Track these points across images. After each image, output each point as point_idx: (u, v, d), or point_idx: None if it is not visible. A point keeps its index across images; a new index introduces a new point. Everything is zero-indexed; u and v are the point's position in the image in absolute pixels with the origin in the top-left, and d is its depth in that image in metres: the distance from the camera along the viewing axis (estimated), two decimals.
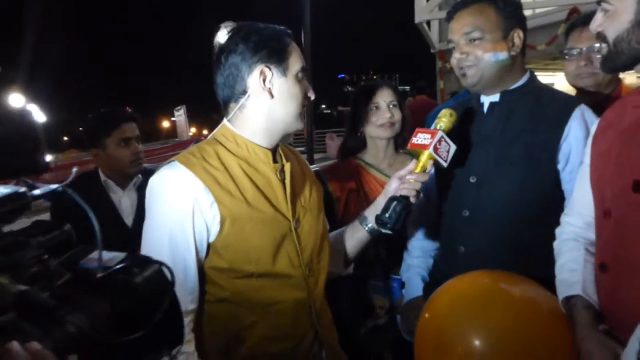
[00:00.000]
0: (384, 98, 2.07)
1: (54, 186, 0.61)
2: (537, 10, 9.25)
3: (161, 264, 0.64)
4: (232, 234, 1.29)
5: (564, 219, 1.43)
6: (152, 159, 9.19)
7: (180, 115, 15.23)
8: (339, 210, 2.03)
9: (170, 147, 12.47)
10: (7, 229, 0.58)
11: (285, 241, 1.35)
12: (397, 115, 2.06)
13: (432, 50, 12.81)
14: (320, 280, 1.44)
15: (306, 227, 1.41)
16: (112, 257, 0.64)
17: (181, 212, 1.27)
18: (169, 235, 1.27)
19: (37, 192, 0.60)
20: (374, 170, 2.10)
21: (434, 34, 12.75)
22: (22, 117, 0.61)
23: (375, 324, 1.98)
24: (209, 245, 1.31)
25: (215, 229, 1.29)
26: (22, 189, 0.59)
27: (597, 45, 1.82)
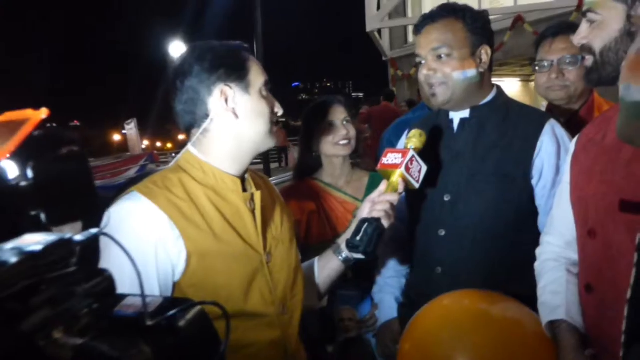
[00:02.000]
0: (338, 115, 2.02)
1: (94, 231, 0.59)
2: None
3: (202, 303, 0.63)
4: (199, 271, 1.19)
5: (544, 238, 1.42)
6: (103, 175, 8.89)
7: (131, 128, 14.80)
8: (301, 233, 1.98)
9: (122, 162, 12.11)
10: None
11: (257, 277, 1.26)
12: (352, 131, 2.03)
13: (384, 58, 13.04)
14: (295, 317, 1.35)
15: (278, 260, 1.33)
16: (150, 301, 0.62)
17: (143, 252, 1.15)
18: (129, 277, 1.19)
19: (79, 237, 0.57)
20: (333, 189, 2.06)
21: (385, 42, 12.99)
22: (75, 160, 0.60)
23: (346, 338, 1.93)
24: (174, 285, 1.21)
25: (181, 266, 1.19)
26: (67, 236, 0.56)
27: (569, 56, 1.83)
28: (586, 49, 1.20)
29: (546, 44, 1.93)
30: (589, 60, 1.19)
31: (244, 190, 1.31)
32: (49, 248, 0.53)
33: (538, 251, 1.42)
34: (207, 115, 1.25)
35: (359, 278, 1.93)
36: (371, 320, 1.91)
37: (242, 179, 1.32)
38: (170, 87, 1.28)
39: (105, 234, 0.60)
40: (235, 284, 1.23)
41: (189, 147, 1.31)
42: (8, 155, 0.54)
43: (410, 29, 13.49)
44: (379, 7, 11.88)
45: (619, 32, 1.13)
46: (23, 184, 0.55)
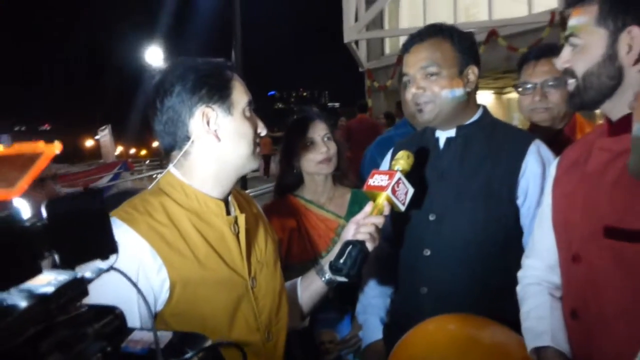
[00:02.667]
0: (318, 132, 1.99)
1: (104, 267, 0.60)
2: None
3: (219, 344, 0.63)
4: (183, 300, 1.15)
5: (525, 261, 1.42)
6: (75, 184, 8.69)
7: (105, 135, 14.52)
8: (282, 252, 1.96)
9: (95, 169, 11.88)
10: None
11: (242, 303, 1.23)
12: (333, 148, 1.99)
13: (360, 69, 13.14)
14: (280, 344, 1.32)
15: (263, 285, 1.29)
16: (160, 336, 0.60)
17: (124, 283, 1.14)
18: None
19: (90, 275, 0.57)
20: (314, 206, 2.02)
21: (362, 53, 13.10)
22: (89, 199, 0.58)
23: None
24: (155, 315, 1.16)
25: (163, 296, 1.14)
26: (79, 275, 0.55)
27: (551, 79, 1.84)
28: (569, 72, 1.21)
29: (529, 67, 1.96)
30: (572, 84, 1.21)
31: (228, 213, 1.27)
32: (61, 289, 0.52)
33: (520, 274, 1.42)
34: (188, 137, 1.21)
35: (339, 299, 1.90)
36: (352, 340, 1.89)
37: (226, 201, 1.28)
38: (149, 106, 1.24)
39: (116, 269, 0.59)
40: (220, 312, 1.19)
41: (170, 168, 1.26)
42: (21, 194, 0.53)
43: (387, 40, 13.70)
44: (356, 19, 11.99)
45: (601, 57, 1.14)
46: (37, 224, 0.53)
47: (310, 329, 1.89)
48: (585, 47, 1.16)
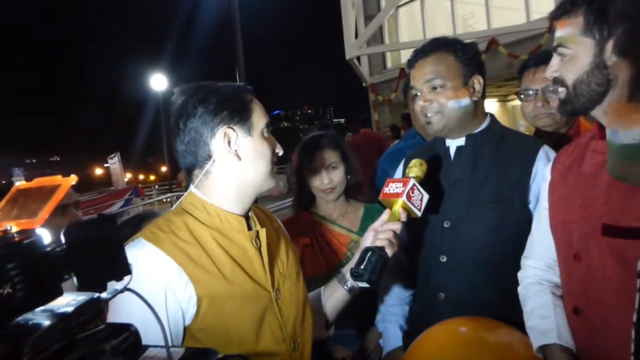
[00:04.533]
0: (323, 162, 2.03)
1: (119, 288, 0.63)
2: None
3: (228, 357, 0.66)
4: (210, 315, 1.18)
5: (525, 261, 1.45)
6: (87, 211, 8.80)
7: (114, 162, 14.73)
8: None
9: (106, 197, 12.02)
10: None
11: (267, 315, 1.26)
12: (337, 177, 2.03)
13: (364, 84, 13.24)
14: (306, 353, 1.34)
15: (287, 297, 1.33)
16: (172, 352, 0.65)
17: (152, 300, 1.15)
18: (140, 325, 1.19)
19: (106, 296, 0.61)
20: (327, 222, 2.08)
21: (364, 69, 13.20)
22: (104, 225, 0.62)
23: None
24: (184, 330, 1.19)
25: (191, 311, 1.18)
26: (96, 296, 0.60)
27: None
28: (558, 81, 1.25)
29: (529, 74, 2.01)
30: (562, 92, 1.24)
31: (249, 228, 1.31)
32: (80, 309, 0.56)
33: (520, 274, 1.45)
34: (209, 157, 1.26)
35: (353, 316, 1.89)
36: (370, 356, 1.91)
37: (246, 217, 1.33)
38: (172, 127, 1.29)
39: (131, 290, 0.62)
40: (246, 324, 1.22)
41: (192, 188, 1.31)
42: (42, 223, 0.57)
43: (389, 55, 13.81)
44: (356, 35, 12.11)
45: (589, 66, 1.18)
46: (57, 249, 0.57)
47: (325, 345, 1.91)
48: (574, 56, 1.20)
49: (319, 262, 2.00)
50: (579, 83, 1.20)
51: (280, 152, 1.36)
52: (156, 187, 22.51)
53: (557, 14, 1.24)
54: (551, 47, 1.28)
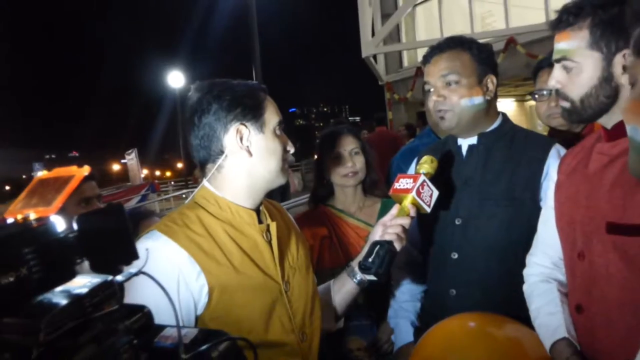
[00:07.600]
0: (345, 147, 2.08)
1: (133, 271, 0.67)
2: None
3: (234, 339, 0.69)
4: (221, 304, 1.22)
5: (531, 259, 1.45)
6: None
7: (132, 158, 14.92)
8: (314, 258, 2.02)
9: (124, 192, 12.19)
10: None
11: (276, 306, 1.29)
12: (359, 162, 2.08)
13: (380, 83, 13.21)
14: (314, 344, 1.37)
15: (296, 289, 1.36)
16: (185, 333, 0.68)
17: (165, 287, 1.22)
18: (153, 310, 1.22)
19: (120, 278, 0.64)
20: (345, 215, 2.11)
21: (380, 67, 13.16)
22: (114, 214, 0.65)
23: None
24: (196, 319, 1.23)
25: (203, 300, 1.22)
26: (110, 277, 0.63)
27: None
28: (561, 95, 1.24)
29: (543, 74, 2.00)
30: (566, 104, 1.24)
31: (260, 222, 1.34)
32: (94, 290, 0.59)
33: (526, 272, 1.46)
34: (222, 152, 1.30)
35: (369, 307, 1.95)
36: (383, 347, 1.93)
37: (257, 210, 1.36)
38: (187, 122, 1.33)
39: (144, 273, 0.65)
40: (256, 314, 1.25)
41: (205, 182, 1.35)
42: (57, 211, 0.61)
43: (405, 53, 13.75)
44: (373, 34, 12.09)
45: (597, 80, 1.17)
46: (70, 235, 0.61)
47: (340, 335, 1.93)
48: (581, 70, 1.19)
49: (337, 255, 2.02)
50: (587, 97, 1.19)
51: (292, 150, 1.39)
52: (172, 183, 22.76)
53: (558, 26, 1.23)
54: (552, 59, 1.26)
